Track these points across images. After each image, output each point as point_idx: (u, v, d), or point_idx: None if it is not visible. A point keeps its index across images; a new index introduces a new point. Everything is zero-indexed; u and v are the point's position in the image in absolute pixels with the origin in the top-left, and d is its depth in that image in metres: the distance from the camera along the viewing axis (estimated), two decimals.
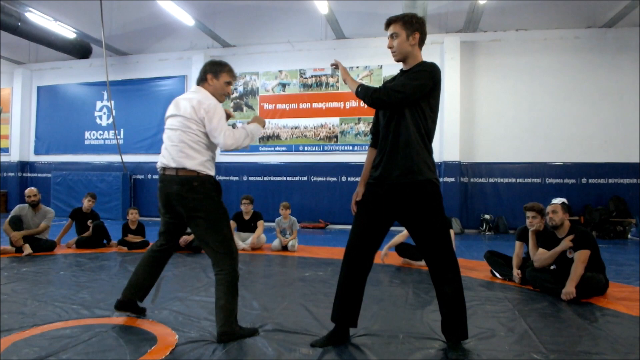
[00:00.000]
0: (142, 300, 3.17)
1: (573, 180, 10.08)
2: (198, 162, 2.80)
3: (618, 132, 9.91)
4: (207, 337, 2.78)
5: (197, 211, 2.81)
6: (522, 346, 2.72)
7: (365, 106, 10.80)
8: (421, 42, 2.70)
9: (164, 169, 2.88)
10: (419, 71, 2.61)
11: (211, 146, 2.89)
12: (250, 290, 4.08)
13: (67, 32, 10.72)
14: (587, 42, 10.16)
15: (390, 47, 2.72)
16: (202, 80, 3.00)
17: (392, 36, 2.69)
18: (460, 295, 2.61)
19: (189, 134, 2.82)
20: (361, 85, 2.70)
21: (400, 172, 2.58)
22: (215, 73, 2.96)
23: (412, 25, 2.64)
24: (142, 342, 2.67)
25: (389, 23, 2.70)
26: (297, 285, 4.42)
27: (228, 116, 3.04)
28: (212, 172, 2.89)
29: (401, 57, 2.70)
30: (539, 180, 10.25)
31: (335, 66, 2.98)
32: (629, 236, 9.21)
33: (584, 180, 10.03)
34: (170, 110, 2.97)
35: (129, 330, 2.90)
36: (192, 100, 2.84)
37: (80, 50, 11.41)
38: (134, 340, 2.70)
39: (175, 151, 2.84)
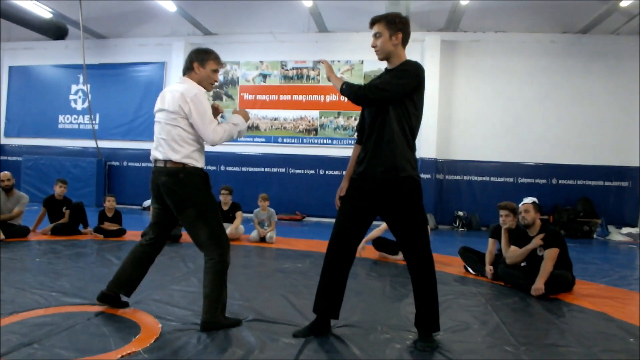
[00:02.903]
0: (128, 296, 3.13)
1: (544, 181, 10.40)
2: (184, 155, 2.81)
3: (588, 136, 10.26)
4: (190, 326, 2.82)
5: (185, 203, 2.83)
6: (494, 338, 2.86)
7: (346, 100, 10.93)
8: (404, 42, 2.77)
9: (155, 160, 2.90)
10: (403, 70, 2.69)
11: (199, 138, 2.88)
12: (230, 281, 4.04)
13: (43, 11, 10.41)
14: (562, 47, 10.45)
15: (373, 46, 2.78)
16: (188, 69, 2.96)
17: (375, 35, 2.75)
18: (433, 289, 2.71)
19: (175, 127, 2.81)
20: (346, 83, 2.76)
21: (383, 169, 2.67)
22: (202, 61, 2.93)
23: (395, 25, 2.71)
24: (126, 331, 2.69)
25: (373, 22, 2.77)
26: (277, 276, 4.48)
27: (217, 111, 3.03)
28: (199, 164, 2.88)
29: (384, 56, 2.77)
30: (511, 180, 10.54)
31: (321, 62, 3.03)
32: (595, 236, 9.59)
33: (554, 181, 10.37)
34: (157, 103, 2.94)
35: (112, 319, 2.91)
36: (176, 93, 2.82)
37: (56, 31, 11.12)
38: (117, 329, 2.72)
39: (163, 144, 2.86)
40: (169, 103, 2.83)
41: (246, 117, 3.08)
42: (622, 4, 8.56)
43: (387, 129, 2.66)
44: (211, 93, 11.58)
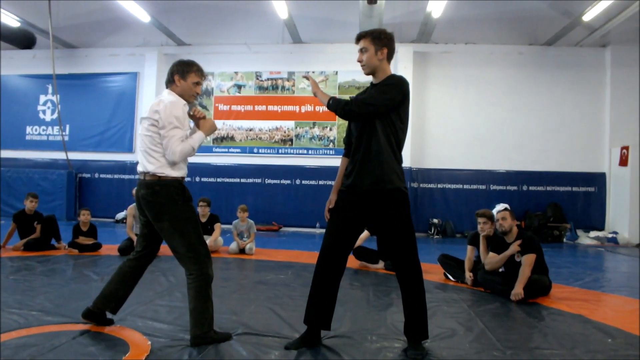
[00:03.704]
0: (115, 313, 3.07)
1: (515, 187, 10.70)
2: (159, 166, 2.79)
3: (556, 143, 10.65)
4: (179, 342, 2.78)
5: (161, 215, 2.81)
6: (480, 344, 2.93)
7: (321, 110, 11.09)
8: (389, 57, 2.85)
9: (138, 173, 2.88)
10: (388, 84, 2.76)
11: None
12: (215, 294, 4.03)
13: (10, 20, 10.11)
14: (529, 58, 10.84)
15: (359, 61, 2.85)
16: (169, 82, 2.94)
17: (361, 50, 2.82)
18: (422, 298, 2.77)
19: (151, 137, 2.81)
20: (332, 98, 2.81)
21: (371, 181, 2.72)
22: (183, 73, 2.91)
23: (380, 41, 2.79)
24: (115, 349, 2.64)
25: (359, 38, 2.84)
26: (260, 288, 4.47)
27: (196, 117, 2.99)
28: (177, 174, 2.84)
29: (370, 71, 2.84)
30: (484, 187, 10.81)
31: (306, 78, 3.08)
32: (564, 240, 9.91)
33: (524, 187, 10.68)
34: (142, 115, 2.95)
35: (98, 337, 2.85)
36: (153, 102, 2.84)
37: (23, 40, 10.81)
38: (105, 347, 2.67)
39: (142, 155, 2.86)
40: (148, 112, 2.83)
41: (212, 129, 3.04)
42: (585, 18, 8.94)
43: (374, 142, 2.72)
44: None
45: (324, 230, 2.89)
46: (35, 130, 12.24)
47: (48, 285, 4.24)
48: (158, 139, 2.79)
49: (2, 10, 9.64)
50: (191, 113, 2.96)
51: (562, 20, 9.54)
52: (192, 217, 2.90)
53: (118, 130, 11.85)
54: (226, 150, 11.54)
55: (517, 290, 4.12)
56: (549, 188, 10.58)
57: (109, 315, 3.08)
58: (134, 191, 6.74)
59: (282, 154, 11.39)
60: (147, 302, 3.70)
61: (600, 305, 4.21)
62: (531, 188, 10.64)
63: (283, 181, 11.29)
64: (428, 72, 11.11)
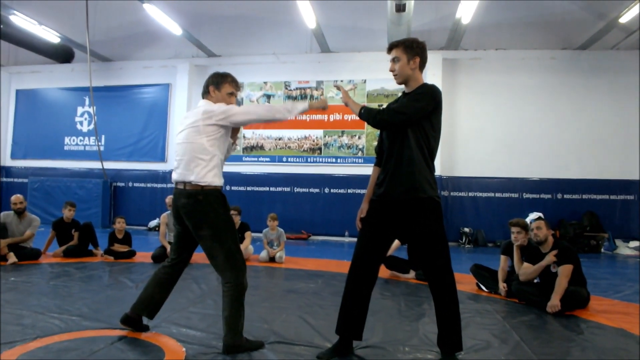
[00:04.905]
0: (151, 318, 3.14)
1: (549, 195, 10.44)
2: (201, 175, 2.84)
3: (591, 150, 10.35)
4: (213, 349, 2.82)
5: (202, 224, 2.85)
6: (516, 357, 2.87)
7: (349, 119, 11.10)
8: (422, 66, 2.85)
9: (176, 182, 2.94)
10: (420, 93, 2.75)
11: (215, 155, 2.89)
12: (246, 301, 4.11)
13: (50, 36, 10.57)
14: (562, 63, 10.60)
15: (392, 71, 2.85)
16: (205, 93, 3.05)
17: (393, 60, 2.82)
18: (455, 309, 2.72)
19: (193, 145, 2.86)
20: (364, 108, 2.82)
21: (403, 190, 2.71)
22: (217, 84, 3.01)
23: (412, 50, 2.79)
24: (151, 355, 2.70)
25: (391, 47, 2.84)
26: (291, 297, 4.48)
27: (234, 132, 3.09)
28: (217, 183, 2.90)
29: (402, 80, 2.83)
30: (516, 195, 10.58)
31: (337, 88, 3.10)
32: (602, 250, 9.59)
33: (559, 196, 10.41)
34: (179, 126, 3.02)
35: (135, 343, 2.92)
36: (194, 111, 2.94)
37: (62, 54, 11.25)
38: (142, 353, 2.73)
39: (182, 165, 2.91)
40: (188, 121, 2.91)
41: (322, 105, 3.10)
42: (622, 20, 8.70)
43: (406, 151, 2.71)
44: None
45: (353, 239, 2.90)
46: (73, 140, 12.71)
47: (86, 291, 4.37)
48: (205, 145, 2.83)
49: (43, 26, 10.08)
50: None
51: (596, 23, 9.30)
52: (231, 226, 2.94)
53: (151, 140, 12.16)
54: (256, 159, 11.68)
55: (554, 302, 4.00)
56: (584, 196, 10.27)
57: (145, 321, 3.15)
58: (167, 199, 6.92)
59: (310, 162, 11.45)
60: (181, 310, 3.76)
61: None
62: (566, 196, 10.35)
63: (312, 190, 11.33)
64: (457, 79, 11.00)
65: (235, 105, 2.96)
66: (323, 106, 3.09)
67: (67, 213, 6.66)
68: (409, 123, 2.70)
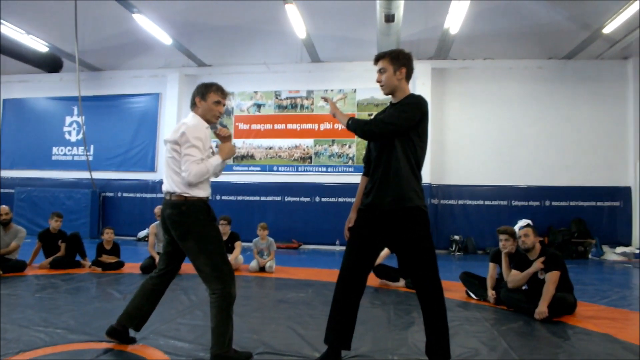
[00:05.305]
0: (138, 330, 3.11)
1: (537, 203, 10.54)
2: (185, 187, 2.85)
3: (578, 157, 10.49)
4: None
5: (186, 235, 2.85)
6: None
7: (339, 128, 11.14)
8: (408, 76, 2.87)
9: (164, 193, 2.94)
10: (407, 104, 2.78)
11: None
12: (235, 312, 4.07)
13: (38, 45, 10.51)
14: (549, 72, 10.76)
15: (378, 81, 2.87)
16: (192, 105, 3.03)
17: (380, 71, 2.85)
18: (443, 318, 2.73)
19: (174, 159, 2.87)
20: (352, 119, 2.84)
21: (390, 200, 2.72)
22: (203, 95, 2.98)
23: (398, 61, 2.81)
24: None
25: (378, 59, 2.87)
26: (281, 307, 4.47)
27: (222, 137, 3.05)
28: (201, 195, 2.89)
29: (389, 91, 2.86)
30: (505, 202, 10.66)
31: (325, 100, 3.12)
32: (590, 256, 9.68)
33: (547, 203, 10.51)
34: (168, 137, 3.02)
35: (122, 355, 2.89)
36: (177, 126, 2.93)
37: (51, 64, 11.17)
38: None
39: (167, 176, 2.93)
40: (170, 135, 2.91)
41: (231, 153, 3.07)
42: (605, 31, 8.86)
43: (394, 161, 2.73)
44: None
45: (343, 248, 2.90)
46: (61, 150, 12.61)
47: (72, 303, 4.32)
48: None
49: (31, 36, 10.04)
50: (217, 133, 3.03)
51: (581, 33, 9.46)
52: (216, 236, 2.93)
53: (141, 150, 12.11)
54: (246, 168, 11.67)
55: (542, 309, 4.03)
56: (572, 203, 10.38)
57: (131, 333, 3.12)
58: (156, 210, 6.89)
59: (301, 171, 11.45)
60: (169, 321, 3.73)
61: (628, 324, 4.08)
62: (554, 203, 10.45)
63: (302, 199, 11.33)
64: (446, 88, 11.11)
65: (194, 157, 2.80)
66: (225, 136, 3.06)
67: (54, 224, 6.60)
68: (396, 134, 2.73)
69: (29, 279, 5.62)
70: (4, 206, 6.18)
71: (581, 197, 10.38)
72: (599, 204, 10.34)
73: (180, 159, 2.83)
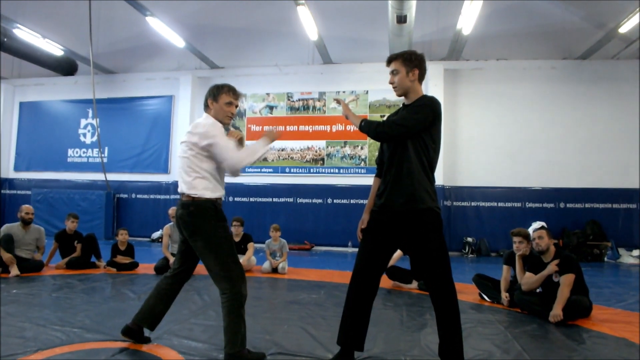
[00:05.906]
0: (152, 329, 3.15)
1: (551, 205, 10.42)
2: (192, 187, 2.89)
3: (593, 159, 10.34)
4: None
5: (195, 235, 2.89)
6: None
7: (352, 130, 11.14)
8: (421, 78, 2.87)
9: (179, 193, 2.99)
10: (420, 105, 2.77)
11: (211, 169, 2.92)
12: (247, 313, 4.10)
13: (54, 49, 10.68)
14: (563, 73, 10.64)
15: (391, 83, 2.88)
16: (205, 107, 3.08)
17: (392, 72, 2.85)
18: (456, 320, 2.71)
19: (187, 159, 2.91)
20: (364, 121, 2.85)
21: (403, 201, 2.72)
22: (215, 96, 3.02)
23: (411, 62, 2.81)
24: None
25: (390, 60, 2.87)
26: (293, 308, 4.48)
27: (235, 139, 3.08)
28: (209, 196, 2.91)
29: (402, 92, 2.86)
30: (519, 204, 10.56)
31: (337, 102, 3.13)
32: (605, 259, 9.54)
33: (561, 205, 10.38)
34: (182, 138, 3.07)
35: (137, 355, 2.92)
36: (191, 126, 2.97)
37: (66, 67, 11.35)
38: None
39: (180, 177, 2.98)
40: (185, 136, 2.96)
41: (270, 137, 3.13)
42: (621, 30, 8.74)
43: (406, 163, 2.73)
44: None
45: (355, 249, 2.91)
46: (76, 152, 12.78)
47: (88, 303, 4.38)
48: (197, 161, 2.88)
49: (46, 40, 10.20)
50: (228, 135, 3.05)
51: (596, 33, 9.35)
52: (225, 236, 2.95)
53: (154, 152, 12.23)
54: (258, 170, 11.71)
55: (556, 312, 3.99)
56: (587, 205, 10.24)
57: (146, 332, 3.16)
58: (170, 211, 6.96)
59: (313, 173, 11.47)
60: (183, 321, 3.76)
61: None
62: (569, 205, 10.33)
63: (315, 200, 11.35)
64: (459, 89, 11.05)
65: (222, 139, 2.89)
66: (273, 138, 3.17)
67: (70, 225, 6.70)
68: (408, 135, 2.72)
69: (46, 279, 5.71)
70: (29, 205, 6.35)
71: (596, 199, 10.24)
72: (614, 206, 10.19)
73: (214, 154, 2.86)
